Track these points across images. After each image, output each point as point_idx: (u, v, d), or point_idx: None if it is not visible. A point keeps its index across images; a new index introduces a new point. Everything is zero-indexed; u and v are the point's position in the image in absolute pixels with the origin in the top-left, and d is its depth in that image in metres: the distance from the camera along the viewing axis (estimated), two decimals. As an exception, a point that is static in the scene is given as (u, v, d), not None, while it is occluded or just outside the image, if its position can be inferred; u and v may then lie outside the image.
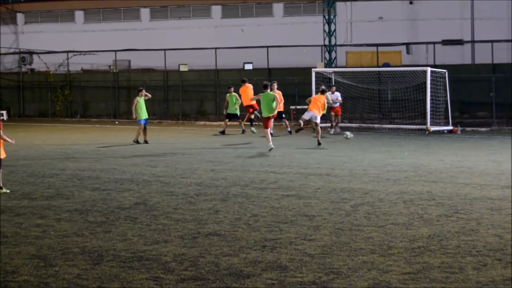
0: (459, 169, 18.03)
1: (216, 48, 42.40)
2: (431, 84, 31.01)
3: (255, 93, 27.17)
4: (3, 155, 14.51)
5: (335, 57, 38.01)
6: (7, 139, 14.45)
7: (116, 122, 40.56)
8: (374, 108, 35.74)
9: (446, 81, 32.30)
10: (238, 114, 30.43)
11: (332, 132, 30.74)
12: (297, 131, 25.31)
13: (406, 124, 33.27)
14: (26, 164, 18.96)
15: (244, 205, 12.88)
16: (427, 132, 30.38)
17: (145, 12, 50.53)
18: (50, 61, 46.94)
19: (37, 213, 12.26)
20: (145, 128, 26.04)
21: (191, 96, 42.28)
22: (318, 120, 24.24)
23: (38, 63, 47.74)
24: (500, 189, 14.54)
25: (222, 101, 35.24)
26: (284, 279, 8.07)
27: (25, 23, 52.50)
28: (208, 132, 32.36)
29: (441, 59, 39.07)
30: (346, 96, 33.75)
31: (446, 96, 32.25)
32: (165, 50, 43.20)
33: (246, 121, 30.82)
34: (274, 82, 28.04)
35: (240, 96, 30.03)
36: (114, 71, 45.17)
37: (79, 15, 51.72)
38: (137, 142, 25.82)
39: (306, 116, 24.31)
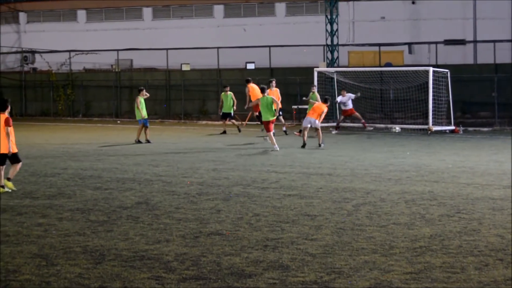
0: (461, 169, 18.02)
1: (218, 48, 42.38)
2: (433, 84, 31.00)
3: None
4: (14, 150, 14.50)
5: (337, 57, 37.98)
6: (9, 143, 14.41)
7: (118, 122, 40.58)
8: (376, 108, 35.71)
9: (448, 81, 32.28)
10: (232, 113, 30.34)
11: (334, 134, 30.75)
12: (300, 131, 25.43)
13: (408, 124, 33.26)
14: (28, 163, 18.96)
15: (246, 204, 12.89)
16: (429, 132, 30.37)
17: (147, 12, 50.55)
18: (52, 60, 46.96)
19: (39, 212, 12.27)
20: (146, 128, 26.06)
21: (193, 96, 42.28)
22: (318, 125, 24.18)
23: (40, 62, 47.77)
24: (502, 189, 14.53)
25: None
26: (286, 278, 8.07)
27: (28, 22, 52.53)
28: (210, 131, 32.36)
29: (443, 59, 39.04)
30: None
31: (448, 96, 32.23)
32: (167, 49, 43.19)
33: (248, 120, 30.81)
34: (273, 80, 28.25)
35: (234, 95, 30.15)
36: (116, 70, 45.18)
37: (81, 14, 51.74)
38: (138, 141, 25.86)
39: (305, 124, 24.28)
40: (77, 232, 10.60)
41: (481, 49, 42.14)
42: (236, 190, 14.52)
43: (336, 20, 37.88)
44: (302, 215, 11.82)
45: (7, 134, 14.38)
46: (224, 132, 30.38)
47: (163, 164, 19.10)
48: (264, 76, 37.32)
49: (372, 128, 32.45)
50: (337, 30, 37.87)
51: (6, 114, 14.53)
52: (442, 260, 8.83)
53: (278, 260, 8.84)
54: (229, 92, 30.30)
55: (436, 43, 40.11)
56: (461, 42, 44.38)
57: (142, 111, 26.02)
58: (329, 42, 38.03)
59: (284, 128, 29.50)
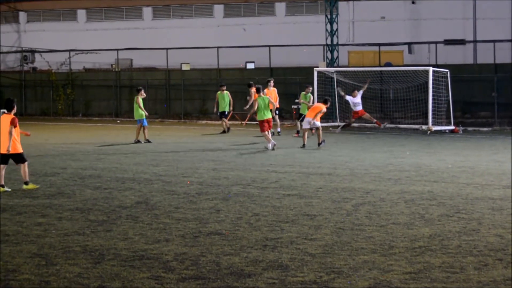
0: (460, 169, 18.02)
1: (218, 47, 42.37)
2: (433, 84, 30.98)
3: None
4: (17, 150, 14.54)
5: (337, 57, 37.97)
6: (10, 142, 14.42)
7: (118, 121, 40.56)
8: (376, 107, 35.70)
9: (448, 81, 32.26)
10: (227, 112, 30.36)
11: (338, 132, 30.73)
12: (298, 132, 25.46)
13: (408, 123, 33.26)
14: (28, 162, 18.91)
15: (245, 204, 12.89)
16: (428, 132, 30.35)
17: (147, 11, 50.56)
18: (52, 59, 46.96)
19: (39, 211, 12.28)
20: (144, 127, 26.06)
21: (193, 95, 42.27)
22: (318, 125, 24.17)
23: (40, 62, 47.76)
24: (502, 189, 14.53)
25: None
26: (285, 278, 8.08)
27: (28, 21, 52.54)
28: (210, 131, 32.35)
29: (443, 59, 39.04)
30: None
31: (448, 96, 32.22)
32: (167, 49, 43.18)
33: (248, 120, 30.80)
34: (271, 80, 28.44)
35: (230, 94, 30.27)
36: (116, 70, 45.17)
37: (81, 14, 51.75)
38: (138, 141, 25.85)
39: (305, 125, 24.28)
40: (76, 231, 10.60)
41: (481, 49, 42.14)
42: (236, 190, 14.52)
43: (336, 20, 37.87)
44: (302, 215, 11.82)
45: (10, 134, 14.42)
46: (224, 131, 30.37)
47: (163, 164, 19.10)
48: (264, 76, 37.34)
49: (389, 125, 32.47)
50: (337, 30, 37.86)
51: (12, 115, 14.62)
52: (442, 260, 8.83)
53: (277, 260, 8.84)
54: (225, 91, 30.30)
55: (436, 43, 40.09)
56: (461, 42, 44.38)
57: (142, 111, 26.01)
58: (329, 42, 38.03)
59: (278, 129, 29.28)
